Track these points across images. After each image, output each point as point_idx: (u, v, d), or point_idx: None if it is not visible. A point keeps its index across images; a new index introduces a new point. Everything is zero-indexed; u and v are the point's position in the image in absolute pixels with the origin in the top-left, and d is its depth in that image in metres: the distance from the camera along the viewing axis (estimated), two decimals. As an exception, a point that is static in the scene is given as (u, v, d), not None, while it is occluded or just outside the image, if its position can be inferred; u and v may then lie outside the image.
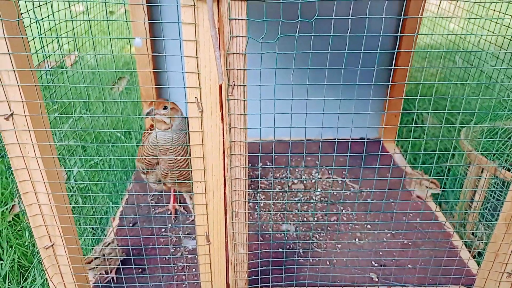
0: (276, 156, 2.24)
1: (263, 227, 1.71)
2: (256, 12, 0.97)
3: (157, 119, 1.44)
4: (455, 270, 1.40)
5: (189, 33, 0.87)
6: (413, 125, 1.26)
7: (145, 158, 1.53)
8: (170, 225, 1.71)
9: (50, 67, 1.60)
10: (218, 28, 0.87)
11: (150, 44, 2.04)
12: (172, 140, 1.45)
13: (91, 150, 2.29)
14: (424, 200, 1.84)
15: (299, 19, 0.84)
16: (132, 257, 1.37)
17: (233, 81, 0.93)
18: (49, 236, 1.15)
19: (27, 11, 0.97)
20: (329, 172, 2.10)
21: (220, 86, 0.93)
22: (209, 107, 0.96)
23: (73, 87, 2.11)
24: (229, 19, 0.86)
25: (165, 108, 1.43)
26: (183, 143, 1.47)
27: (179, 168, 1.49)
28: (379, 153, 1.03)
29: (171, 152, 1.46)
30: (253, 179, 2.06)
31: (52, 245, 1.16)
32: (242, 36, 0.88)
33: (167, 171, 1.50)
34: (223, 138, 1.00)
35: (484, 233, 1.65)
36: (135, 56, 2.13)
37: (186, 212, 1.81)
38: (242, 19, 0.86)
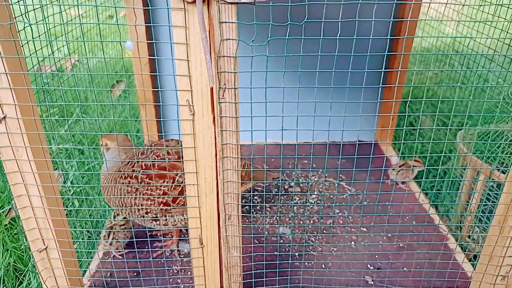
0: (273, 159, 2.24)
1: (259, 230, 1.71)
2: (246, 15, 0.97)
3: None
4: (450, 273, 1.40)
5: (179, 36, 0.88)
6: (405, 127, 1.26)
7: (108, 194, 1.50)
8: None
9: (49, 71, 1.61)
10: (209, 31, 0.87)
11: (147, 48, 2.05)
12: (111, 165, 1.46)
13: (88, 153, 2.29)
14: (408, 180, 1.91)
15: (289, 22, 0.84)
16: (125, 260, 1.37)
17: (224, 84, 0.93)
18: (43, 239, 1.15)
19: (21, 15, 0.98)
20: (326, 175, 2.10)
21: (212, 89, 0.93)
22: (200, 109, 0.96)
23: (71, 91, 2.12)
24: (219, 22, 0.86)
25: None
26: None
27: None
28: (371, 155, 1.04)
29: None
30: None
31: (45, 248, 1.16)
32: (232, 39, 0.88)
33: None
34: (215, 141, 1.00)
35: (480, 236, 1.65)
36: (131, 60, 2.13)
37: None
38: (232, 22, 0.86)
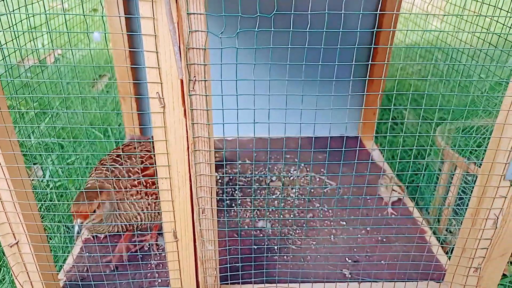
0: (255, 154, 2.24)
1: (239, 224, 1.71)
2: (215, 6, 0.96)
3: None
4: (426, 265, 1.41)
5: (148, 27, 0.87)
6: (384, 120, 1.27)
7: None
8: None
9: (31, 64, 1.58)
10: (177, 22, 0.86)
11: (127, 40, 2.03)
12: (101, 227, 1.31)
13: (69, 147, 2.26)
14: (387, 205, 1.80)
15: (258, 14, 0.84)
16: (99, 254, 1.35)
17: (194, 76, 0.92)
18: (13, 234, 1.13)
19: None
20: (307, 169, 2.11)
21: (182, 81, 0.93)
22: (171, 102, 0.95)
23: (52, 85, 2.09)
24: (187, 13, 0.85)
25: (94, 212, 1.22)
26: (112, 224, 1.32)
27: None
28: (350, 148, 1.04)
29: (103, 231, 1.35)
30: (231, 176, 2.06)
31: (16, 243, 1.14)
32: (201, 31, 0.87)
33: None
34: (187, 134, 1.00)
35: (456, 229, 1.67)
36: (112, 53, 2.11)
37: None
38: (200, 14, 0.85)
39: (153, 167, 1.35)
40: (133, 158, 1.41)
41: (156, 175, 1.06)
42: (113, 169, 1.36)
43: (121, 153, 1.43)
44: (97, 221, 1.24)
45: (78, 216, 1.18)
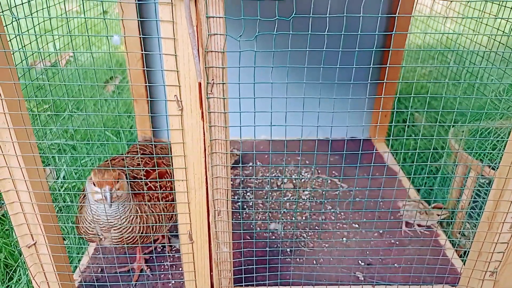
0: (266, 156, 2.24)
1: (251, 226, 1.71)
2: (234, 10, 0.97)
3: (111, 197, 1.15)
4: (441, 269, 1.41)
5: (167, 31, 0.87)
6: (392, 123, 1.26)
7: (85, 233, 1.26)
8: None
9: (42, 66, 1.60)
10: (196, 26, 0.87)
11: (140, 43, 2.04)
12: (119, 214, 1.20)
13: (81, 149, 2.28)
14: (426, 227, 1.69)
15: (277, 17, 0.84)
16: (115, 255, 1.36)
17: (212, 79, 0.93)
18: (31, 235, 1.14)
19: (9, 9, 0.97)
20: (319, 171, 2.10)
21: (200, 84, 0.93)
22: (189, 105, 0.96)
23: (65, 87, 2.11)
24: (206, 17, 0.86)
25: (118, 181, 1.16)
26: (131, 215, 1.22)
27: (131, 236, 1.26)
28: (359, 151, 1.04)
29: (117, 229, 1.21)
30: (242, 178, 2.06)
31: (34, 244, 1.16)
32: (220, 34, 0.88)
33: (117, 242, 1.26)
34: (204, 136, 1.00)
35: (470, 232, 1.66)
36: (125, 55, 2.12)
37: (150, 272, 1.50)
38: (219, 17, 0.86)
39: (156, 169, 1.35)
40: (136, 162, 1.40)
41: (173, 176, 1.06)
42: (130, 170, 1.35)
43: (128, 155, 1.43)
44: (120, 196, 1.17)
45: (106, 183, 1.12)
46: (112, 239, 1.24)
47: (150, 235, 1.31)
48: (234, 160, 2.12)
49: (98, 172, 1.14)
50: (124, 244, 1.26)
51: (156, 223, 1.30)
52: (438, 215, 1.63)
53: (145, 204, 1.28)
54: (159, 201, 1.32)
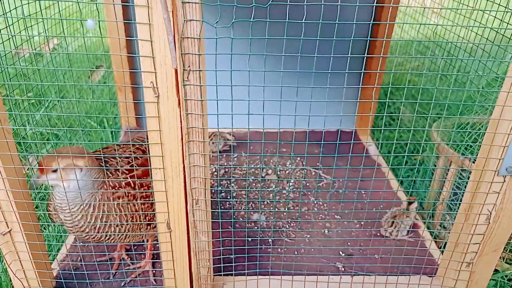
0: (251, 147, 2.23)
1: (234, 216, 1.71)
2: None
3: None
4: (419, 259, 1.42)
5: (142, 16, 0.86)
6: (377, 113, 1.27)
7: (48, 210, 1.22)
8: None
9: (27, 54, 1.57)
10: (172, 11, 0.85)
11: (124, 30, 2.01)
12: (68, 201, 1.13)
13: (64, 137, 2.25)
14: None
15: (254, 3, 0.83)
16: (92, 243, 1.35)
17: (189, 66, 0.91)
18: (6, 222, 1.13)
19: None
20: (303, 163, 2.11)
21: (176, 71, 0.92)
22: (165, 92, 0.94)
23: (48, 75, 2.08)
24: (182, 2, 0.84)
25: (55, 171, 1.10)
26: (88, 206, 1.15)
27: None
28: (338, 141, 1.03)
29: (68, 215, 1.15)
30: (226, 167, 2.05)
31: (9, 231, 1.14)
32: (196, 20, 0.86)
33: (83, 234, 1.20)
34: (181, 124, 0.99)
35: (450, 224, 1.67)
36: (109, 43, 2.09)
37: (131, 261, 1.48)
38: (195, 3, 0.84)
39: (141, 168, 1.22)
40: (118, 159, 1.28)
41: (150, 171, 1.04)
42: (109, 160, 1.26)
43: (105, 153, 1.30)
44: (63, 185, 1.10)
45: (38, 166, 1.07)
46: (77, 235, 1.19)
47: (128, 234, 1.23)
48: (226, 146, 2.13)
49: (43, 156, 1.10)
50: (92, 241, 1.21)
51: (131, 221, 1.21)
52: (415, 207, 1.64)
53: (118, 201, 1.19)
54: (136, 200, 1.23)
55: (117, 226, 1.20)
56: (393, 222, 1.59)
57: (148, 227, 1.28)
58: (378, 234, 1.62)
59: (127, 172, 1.24)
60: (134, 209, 1.22)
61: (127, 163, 1.27)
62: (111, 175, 1.21)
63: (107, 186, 1.18)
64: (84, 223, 1.16)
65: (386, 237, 1.60)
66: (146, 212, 1.25)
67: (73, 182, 1.11)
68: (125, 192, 1.20)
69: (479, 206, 1.17)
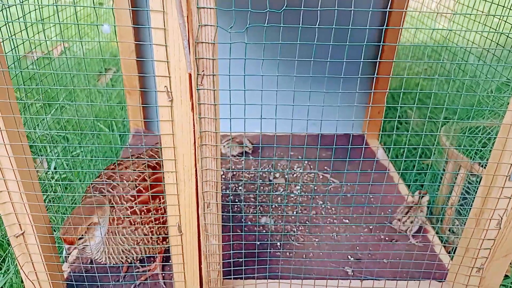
0: (258, 150, 2.24)
1: (242, 220, 1.71)
2: (225, 1, 0.96)
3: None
4: (429, 264, 1.42)
5: (157, 21, 0.87)
6: (383, 118, 1.27)
7: None
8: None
9: (36, 57, 1.59)
10: (187, 16, 0.86)
11: (133, 34, 2.03)
12: (92, 251, 1.21)
13: (74, 140, 2.27)
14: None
15: (268, 9, 0.84)
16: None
17: (203, 71, 0.92)
18: (19, 224, 1.14)
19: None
20: (311, 166, 2.11)
21: (190, 75, 0.93)
22: (179, 96, 0.95)
23: (58, 78, 2.10)
24: (197, 7, 0.85)
25: (81, 238, 1.16)
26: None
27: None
28: (349, 146, 1.04)
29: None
30: (234, 171, 2.06)
31: (22, 234, 1.15)
32: (210, 25, 0.87)
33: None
34: (194, 128, 1.00)
35: (459, 229, 1.67)
36: (119, 46, 2.11)
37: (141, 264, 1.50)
38: (210, 8, 0.85)
39: (147, 194, 1.24)
40: (125, 181, 1.29)
41: (164, 181, 1.06)
42: (108, 193, 1.25)
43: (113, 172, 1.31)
44: (91, 244, 1.18)
45: (64, 240, 1.14)
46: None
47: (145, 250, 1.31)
48: (242, 151, 2.15)
49: (62, 228, 1.14)
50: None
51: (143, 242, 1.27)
52: (427, 200, 1.65)
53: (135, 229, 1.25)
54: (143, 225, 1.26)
55: (129, 251, 1.26)
56: (407, 212, 1.62)
57: (164, 242, 1.34)
58: (386, 238, 1.62)
59: (132, 199, 1.25)
60: (143, 232, 1.26)
61: (133, 188, 1.27)
62: (115, 207, 1.24)
63: (111, 221, 1.23)
64: (100, 255, 1.25)
65: (399, 232, 1.62)
66: (158, 232, 1.30)
67: (98, 235, 1.19)
68: (129, 220, 1.24)
69: (490, 211, 1.17)
